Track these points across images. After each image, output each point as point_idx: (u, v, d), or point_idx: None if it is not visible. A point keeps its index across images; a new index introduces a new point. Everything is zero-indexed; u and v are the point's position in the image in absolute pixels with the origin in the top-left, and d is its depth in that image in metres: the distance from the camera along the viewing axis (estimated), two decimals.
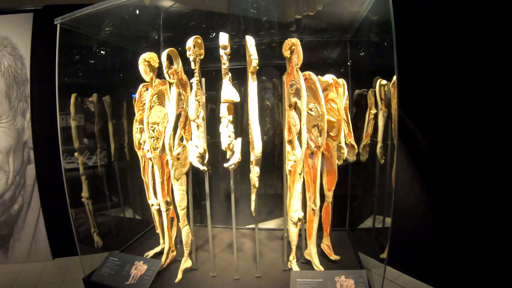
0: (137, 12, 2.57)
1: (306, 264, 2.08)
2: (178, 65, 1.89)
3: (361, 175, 2.77)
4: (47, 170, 2.69)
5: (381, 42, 2.26)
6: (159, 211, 2.14)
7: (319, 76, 1.98)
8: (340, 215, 2.71)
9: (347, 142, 2.40)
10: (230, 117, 1.68)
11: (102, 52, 2.70)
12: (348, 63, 2.61)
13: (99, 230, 2.70)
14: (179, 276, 1.99)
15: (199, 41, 1.74)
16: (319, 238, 2.16)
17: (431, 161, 2.28)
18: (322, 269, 1.93)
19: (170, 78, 1.82)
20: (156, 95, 2.03)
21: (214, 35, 2.58)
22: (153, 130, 2.02)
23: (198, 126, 1.74)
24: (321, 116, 1.80)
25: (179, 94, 1.89)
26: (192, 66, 1.72)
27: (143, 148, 2.15)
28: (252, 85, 1.58)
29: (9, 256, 2.68)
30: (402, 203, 2.53)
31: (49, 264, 2.66)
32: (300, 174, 1.77)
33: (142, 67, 1.91)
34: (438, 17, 2.13)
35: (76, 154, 2.54)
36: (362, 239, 2.80)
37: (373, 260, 2.70)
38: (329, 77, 1.97)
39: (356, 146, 2.41)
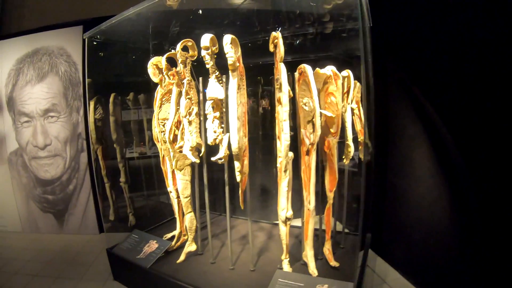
0: (200, 12, 2.76)
1: (305, 266, 2.02)
2: (179, 67, 2.02)
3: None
4: (96, 157, 3.19)
5: (404, 27, 1.97)
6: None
7: (317, 68, 1.87)
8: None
9: (359, 139, 2.20)
10: (217, 114, 1.74)
11: (134, 56, 3.05)
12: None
13: (134, 211, 3.11)
14: (181, 258, 2.17)
15: (190, 43, 1.84)
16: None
17: (459, 163, 1.92)
18: (316, 273, 1.86)
19: (170, 79, 1.98)
20: (167, 94, 2.23)
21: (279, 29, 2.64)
22: (163, 125, 2.22)
23: (190, 122, 1.85)
24: (313, 111, 1.71)
25: (180, 93, 2.03)
26: (180, 68, 1.84)
27: None
28: (232, 82, 1.60)
29: (64, 227, 3.29)
30: (427, 212, 2.20)
31: (95, 237, 3.17)
32: (285, 171, 1.73)
33: (151, 70, 2.09)
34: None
35: (114, 145, 2.95)
36: (385, 246, 2.54)
37: (394, 271, 2.44)
38: (329, 69, 1.85)
39: (369, 144, 2.19)
